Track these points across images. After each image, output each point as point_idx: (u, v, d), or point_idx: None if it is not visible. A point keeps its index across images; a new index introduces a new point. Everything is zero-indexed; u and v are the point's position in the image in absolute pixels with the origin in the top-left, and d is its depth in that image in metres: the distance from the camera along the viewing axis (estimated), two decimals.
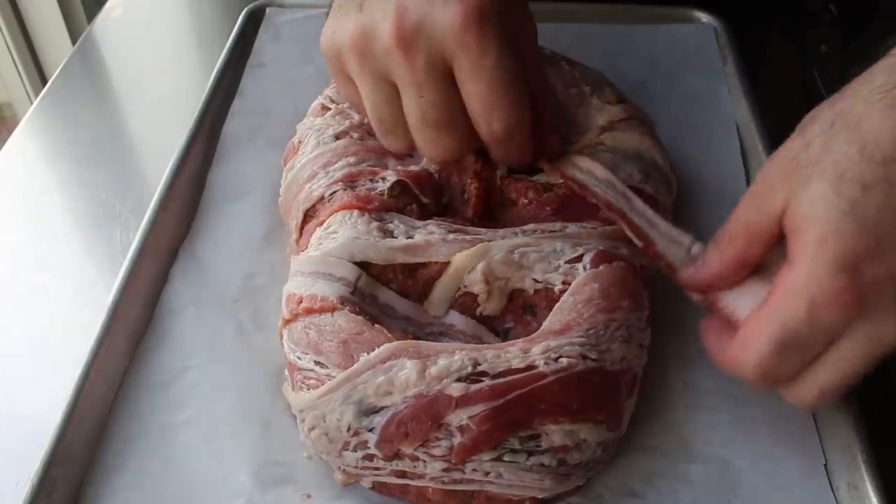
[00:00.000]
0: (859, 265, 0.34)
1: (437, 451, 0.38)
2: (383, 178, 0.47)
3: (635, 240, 0.44)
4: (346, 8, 0.43)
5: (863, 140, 0.34)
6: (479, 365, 0.38)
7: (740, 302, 0.40)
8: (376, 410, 0.38)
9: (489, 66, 0.40)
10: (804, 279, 0.35)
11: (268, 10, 0.73)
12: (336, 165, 0.48)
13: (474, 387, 0.37)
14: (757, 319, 0.37)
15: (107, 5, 0.80)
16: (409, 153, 0.47)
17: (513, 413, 0.37)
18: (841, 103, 0.36)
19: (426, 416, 0.37)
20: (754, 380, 0.38)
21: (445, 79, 0.41)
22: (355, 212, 0.45)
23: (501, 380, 0.37)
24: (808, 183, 0.35)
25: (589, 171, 0.46)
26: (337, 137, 0.50)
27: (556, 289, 0.42)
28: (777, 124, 0.55)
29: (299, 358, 0.41)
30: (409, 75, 0.40)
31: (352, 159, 0.48)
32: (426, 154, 0.45)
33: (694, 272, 0.41)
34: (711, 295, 0.41)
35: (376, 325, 0.40)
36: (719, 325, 0.41)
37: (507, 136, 0.42)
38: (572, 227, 0.45)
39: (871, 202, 0.34)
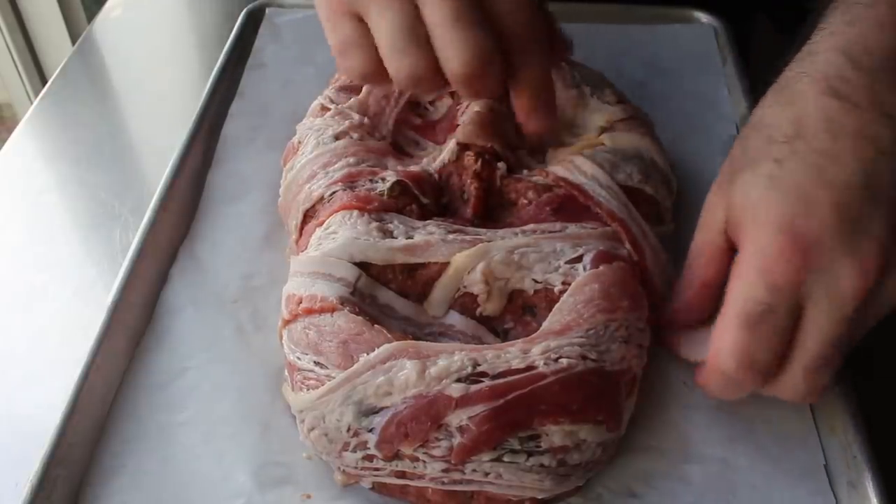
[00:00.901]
0: (794, 224, 0.36)
1: (436, 452, 0.38)
2: (383, 179, 0.47)
3: (631, 251, 0.45)
4: None
5: (767, 132, 0.40)
6: (479, 365, 0.38)
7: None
8: (376, 411, 0.38)
9: None
10: (750, 255, 0.38)
11: (268, 10, 0.73)
12: (336, 166, 0.48)
13: (474, 387, 0.37)
14: (723, 312, 0.39)
15: (107, 5, 0.80)
16: (432, 88, 0.43)
17: (512, 413, 0.37)
18: (752, 115, 0.42)
19: (426, 417, 0.37)
20: (737, 370, 0.38)
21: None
22: (355, 212, 0.45)
23: (501, 380, 0.37)
24: (734, 184, 0.40)
25: (593, 176, 0.46)
26: (336, 138, 0.50)
27: (556, 289, 0.42)
28: None
29: (299, 358, 0.41)
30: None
31: (351, 159, 0.48)
32: (395, 79, 0.41)
33: (669, 306, 0.44)
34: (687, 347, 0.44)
35: (376, 325, 0.40)
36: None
37: (471, 69, 0.39)
38: (572, 228, 0.45)
39: (785, 172, 0.37)
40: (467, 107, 0.51)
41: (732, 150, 0.42)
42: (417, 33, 0.39)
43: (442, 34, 0.39)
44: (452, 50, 0.38)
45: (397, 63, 0.39)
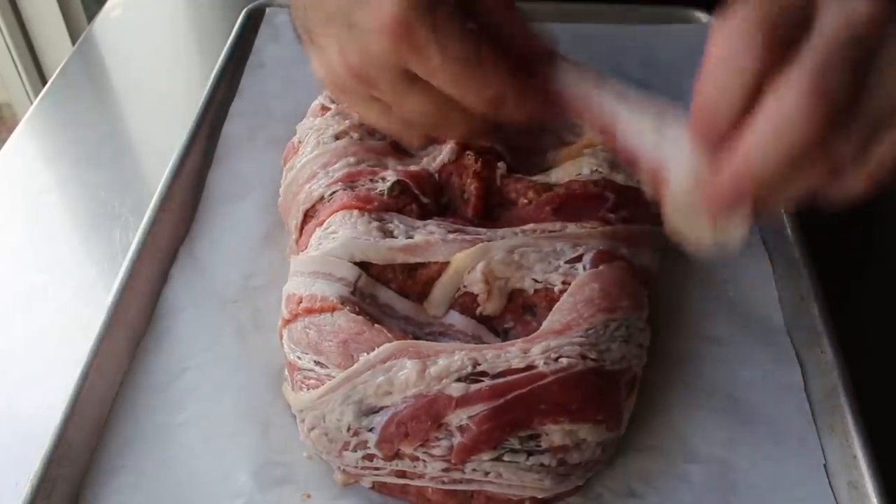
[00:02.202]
0: None
1: (436, 451, 0.38)
2: (383, 178, 0.47)
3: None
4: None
5: None
6: (479, 365, 0.38)
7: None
8: (376, 410, 0.38)
9: (436, 65, 0.39)
10: None
11: (268, 10, 0.73)
12: (336, 165, 0.48)
13: (474, 387, 0.37)
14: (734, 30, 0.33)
15: (107, 5, 0.80)
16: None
17: (512, 413, 0.37)
18: None
19: (426, 416, 0.37)
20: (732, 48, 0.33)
21: (412, 80, 0.40)
22: (355, 212, 0.45)
23: (501, 380, 0.37)
24: None
25: (585, 170, 0.46)
26: (337, 137, 0.50)
27: (556, 289, 0.42)
28: None
29: (299, 358, 0.41)
30: (387, 93, 0.41)
31: (351, 159, 0.48)
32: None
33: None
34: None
35: (376, 325, 0.40)
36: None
37: (490, 107, 0.40)
38: (572, 227, 0.45)
39: None
40: None
41: None
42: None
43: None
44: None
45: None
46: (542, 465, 0.38)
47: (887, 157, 0.33)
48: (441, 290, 0.43)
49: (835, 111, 0.31)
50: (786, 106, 0.31)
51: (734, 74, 0.33)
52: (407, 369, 0.38)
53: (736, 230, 0.37)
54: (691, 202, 0.37)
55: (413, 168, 0.48)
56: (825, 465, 0.42)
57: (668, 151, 0.38)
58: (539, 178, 0.48)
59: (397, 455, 0.38)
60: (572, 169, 0.47)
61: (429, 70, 0.39)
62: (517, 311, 0.43)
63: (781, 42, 0.32)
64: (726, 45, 0.33)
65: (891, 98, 0.32)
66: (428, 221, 0.45)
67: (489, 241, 0.43)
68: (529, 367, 0.38)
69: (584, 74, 0.42)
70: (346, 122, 0.51)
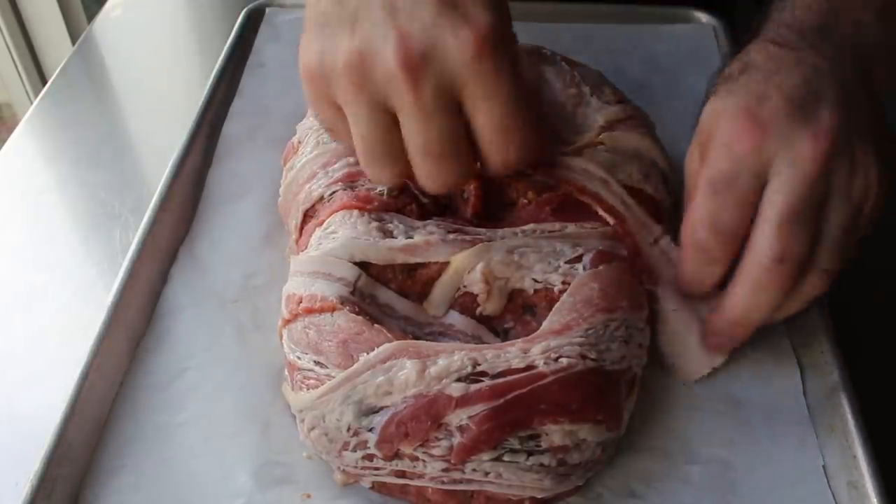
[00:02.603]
0: (750, 109, 0.40)
1: (436, 451, 0.38)
2: None
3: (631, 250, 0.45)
4: (334, 27, 0.39)
5: (722, 77, 0.44)
6: (479, 365, 0.38)
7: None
8: (376, 410, 0.38)
9: (505, 93, 0.38)
10: (715, 143, 0.41)
11: (268, 10, 0.73)
12: (336, 165, 0.48)
13: (474, 387, 0.37)
14: (691, 195, 0.42)
15: (107, 5, 0.80)
16: (395, 186, 0.45)
17: (512, 413, 0.37)
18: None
19: (426, 416, 0.37)
20: (707, 235, 0.41)
21: (454, 106, 0.38)
22: (355, 212, 0.45)
23: (501, 380, 0.37)
24: (700, 121, 0.44)
25: (593, 175, 0.46)
26: None
27: (556, 289, 0.42)
28: None
29: (299, 358, 0.41)
30: (414, 103, 0.37)
31: (351, 159, 0.48)
32: (426, 185, 0.41)
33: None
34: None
35: (376, 325, 0.40)
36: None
37: (521, 161, 0.41)
38: (572, 227, 0.45)
39: (739, 85, 0.42)
40: None
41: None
42: (459, 139, 0.40)
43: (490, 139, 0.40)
44: (506, 151, 0.40)
45: (434, 174, 0.41)
46: (542, 465, 0.38)
47: (844, 254, 0.40)
48: (441, 291, 0.43)
49: (799, 261, 0.39)
50: (757, 273, 0.40)
51: (707, 263, 0.42)
52: (407, 369, 0.38)
53: (718, 360, 0.45)
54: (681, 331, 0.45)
55: None
56: (824, 465, 0.42)
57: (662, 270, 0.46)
58: (539, 177, 0.47)
59: (397, 455, 0.38)
60: (573, 169, 0.47)
61: (491, 96, 0.38)
62: (517, 311, 0.43)
63: (744, 200, 0.40)
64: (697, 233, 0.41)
65: (844, 223, 0.40)
66: (428, 221, 0.45)
67: (489, 241, 0.43)
68: (529, 367, 0.38)
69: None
70: None
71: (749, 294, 0.40)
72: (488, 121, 0.39)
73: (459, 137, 0.39)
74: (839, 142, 0.39)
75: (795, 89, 0.40)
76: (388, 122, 0.39)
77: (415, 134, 0.39)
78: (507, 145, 0.40)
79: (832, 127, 0.39)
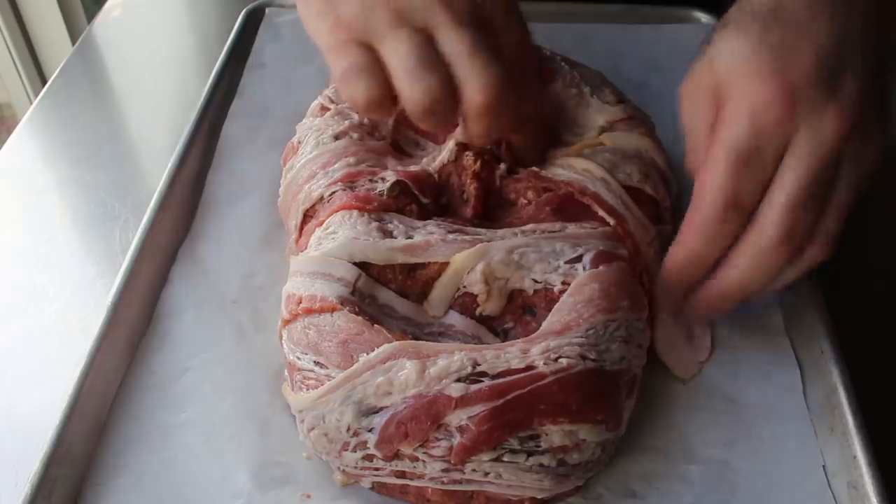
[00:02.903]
0: (783, 72, 0.38)
1: (436, 452, 0.38)
2: (383, 179, 0.47)
3: (631, 250, 0.45)
4: None
5: (749, 7, 0.41)
6: (479, 365, 0.38)
7: None
8: (376, 411, 0.38)
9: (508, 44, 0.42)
10: (739, 103, 0.39)
11: (267, 10, 0.73)
12: (335, 166, 0.48)
13: (474, 387, 0.37)
14: (710, 154, 0.40)
15: (106, 5, 0.80)
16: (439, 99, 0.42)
17: (512, 413, 0.37)
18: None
19: (425, 417, 0.37)
20: (724, 209, 0.39)
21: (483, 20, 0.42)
22: (355, 212, 0.45)
23: (501, 380, 0.37)
24: (720, 51, 0.41)
25: (592, 175, 0.46)
26: (336, 138, 0.50)
27: (556, 289, 0.42)
28: None
29: (299, 358, 0.41)
30: (452, 17, 0.40)
31: (351, 160, 0.48)
32: (473, 93, 0.40)
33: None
34: None
35: (376, 325, 0.40)
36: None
37: (483, 104, 0.40)
38: (571, 227, 0.45)
39: (773, 34, 0.39)
40: None
41: (715, 31, 0.43)
42: (434, 60, 0.39)
43: (463, 63, 0.39)
44: (474, 78, 0.39)
45: (413, 87, 0.39)
46: (541, 465, 0.38)
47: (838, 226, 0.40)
48: (441, 291, 0.43)
49: (804, 237, 0.39)
50: (759, 249, 0.39)
51: (715, 239, 0.41)
52: (407, 369, 0.38)
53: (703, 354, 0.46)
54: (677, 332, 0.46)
55: (413, 168, 0.48)
56: (824, 466, 0.42)
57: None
58: (539, 178, 0.47)
59: (397, 455, 0.38)
60: (573, 169, 0.47)
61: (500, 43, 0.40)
62: (517, 312, 0.43)
63: (764, 175, 0.39)
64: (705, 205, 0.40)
65: (846, 197, 0.40)
66: (427, 222, 0.45)
67: (489, 241, 0.43)
68: (529, 368, 0.38)
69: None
70: (346, 122, 0.51)
71: (749, 267, 0.40)
72: (451, 46, 0.40)
73: (434, 58, 0.40)
74: (860, 118, 0.38)
75: (827, 50, 0.39)
76: (426, 39, 0.40)
77: (456, 42, 0.40)
78: (473, 75, 0.40)
79: (855, 103, 0.38)
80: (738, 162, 0.39)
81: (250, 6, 0.72)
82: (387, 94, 0.40)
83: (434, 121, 0.41)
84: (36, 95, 0.76)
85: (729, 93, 0.40)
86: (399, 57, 0.40)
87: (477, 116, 0.40)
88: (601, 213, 0.46)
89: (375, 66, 0.40)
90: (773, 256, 0.39)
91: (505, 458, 0.38)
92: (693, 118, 0.43)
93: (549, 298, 0.42)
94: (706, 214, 0.40)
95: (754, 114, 0.39)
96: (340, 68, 0.40)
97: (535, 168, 0.48)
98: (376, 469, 0.39)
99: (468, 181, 0.47)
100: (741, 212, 0.40)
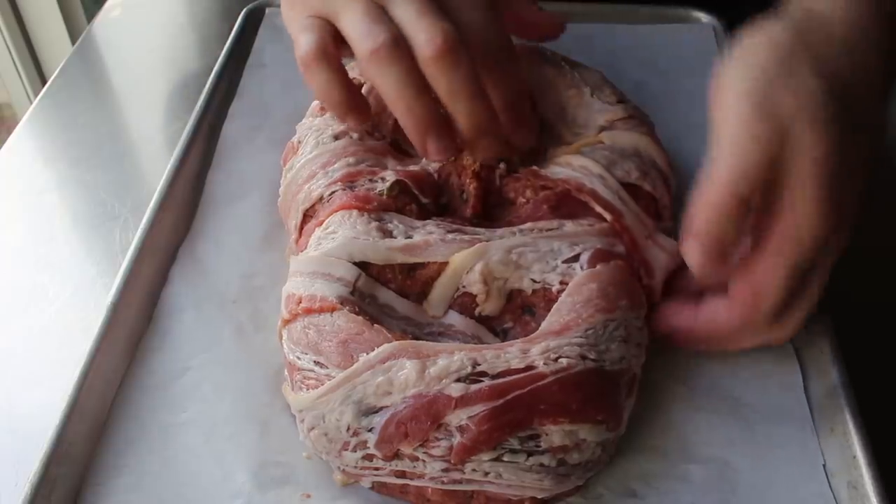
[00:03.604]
0: (833, 184, 0.38)
1: (436, 452, 0.38)
2: (382, 179, 0.47)
3: (629, 247, 0.45)
4: None
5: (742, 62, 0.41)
6: (479, 365, 0.38)
7: None
8: (376, 410, 0.38)
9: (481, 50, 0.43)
10: (801, 213, 0.38)
11: (268, 10, 0.73)
12: (335, 166, 0.48)
13: (474, 387, 0.37)
14: (763, 264, 0.40)
15: (106, 5, 0.80)
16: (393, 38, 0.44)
17: (512, 413, 0.37)
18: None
19: (425, 417, 0.37)
20: (759, 315, 0.41)
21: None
22: (354, 212, 0.45)
23: (501, 380, 0.37)
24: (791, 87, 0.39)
25: (590, 172, 0.46)
26: (336, 138, 0.50)
27: (554, 289, 0.42)
28: None
29: (299, 358, 0.41)
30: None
31: (351, 159, 0.48)
32: (431, 33, 0.42)
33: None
34: None
35: (376, 325, 0.40)
36: (683, 303, 0.45)
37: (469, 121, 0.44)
38: (569, 225, 0.45)
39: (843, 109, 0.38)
40: None
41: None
42: (384, 18, 0.42)
43: (411, 21, 0.42)
44: (422, 32, 0.41)
45: (364, 40, 0.42)
46: (541, 465, 0.38)
47: None
48: (440, 291, 0.43)
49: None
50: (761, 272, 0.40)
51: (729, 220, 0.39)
52: (406, 369, 0.38)
53: None
54: None
55: (412, 168, 0.48)
56: (825, 466, 0.42)
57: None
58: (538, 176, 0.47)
59: (397, 455, 0.38)
60: (571, 167, 0.47)
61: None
62: (516, 312, 0.43)
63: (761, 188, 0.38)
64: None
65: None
66: (427, 221, 0.45)
67: (487, 241, 0.43)
68: (529, 368, 0.38)
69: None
70: None
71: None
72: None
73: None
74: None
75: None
76: (379, 6, 0.43)
77: (406, 7, 0.42)
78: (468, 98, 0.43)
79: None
80: (795, 278, 0.40)
81: (250, 6, 0.72)
82: (330, 47, 0.44)
83: (389, 72, 0.42)
84: (36, 95, 0.76)
85: (794, 203, 0.38)
86: (351, 19, 0.43)
87: (436, 70, 0.42)
88: (598, 208, 0.46)
89: (325, 24, 0.44)
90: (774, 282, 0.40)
91: (505, 458, 0.38)
92: (743, 143, 0.39)
93: (547, 298, 0.42)
94: (754, 317, 0.41)
95: (816, 239, 0.38)
96: (296, 37, 0.45)
97: (534, 167, 0.48)
98: (376, 469, 0.39)
99: (468, 180, 0.47)
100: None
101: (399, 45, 0.42)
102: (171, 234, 0.53)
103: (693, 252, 0.40)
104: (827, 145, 0.37)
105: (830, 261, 0.41)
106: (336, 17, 0.44)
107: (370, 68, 0.42)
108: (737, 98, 0.39)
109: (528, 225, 0.45)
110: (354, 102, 0.47)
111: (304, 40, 0.45)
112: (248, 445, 0.43)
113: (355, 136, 0.50)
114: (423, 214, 0.46)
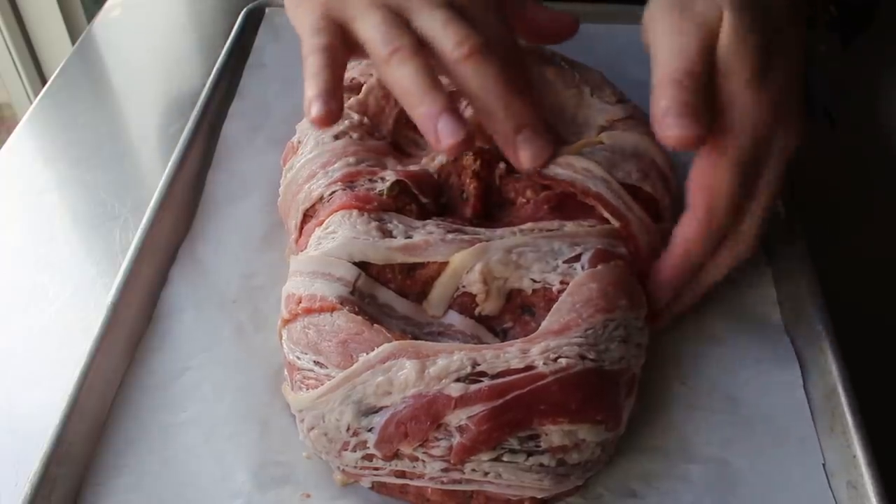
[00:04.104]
0: (765, 82, 0.41)
1: (436, 452, 0.38)
2: (382, 178, 0.47)
3: (630, 247, 0.45)
4: None
5: None
6: (479, 365, 0.38)
7: None
8: (375, 410, 0.38)
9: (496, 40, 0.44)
10: (742, 112, 0.41)
11: (267, 10, 0.73)
12: (335, 165, 0.48)
13: (473, 387, 0.37)
14: (716, 168, 0.41)
15: (106, 5, 0.80)
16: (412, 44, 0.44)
17: (512, 413, 0.37)
18: None
19: (425, 416, 0.37)
20: (727, 216, 0.42)
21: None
22: (354, 212, 0.45)
23: (500, 380, 0.37)
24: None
25: (591, 173, 0.46)
26: (336, 137, 0.50)
27: (554, 289, 0.42)
28: None
29: (298, 358, 0.41)
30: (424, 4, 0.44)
31: (351, 159, 0.48)
32: (451, 49, 0.43)
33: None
34: None
35: (375, 325, 0.40)
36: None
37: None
38: (570, 226, 0.45)
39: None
40: (466, 106, 0.51)
41: None
42: (406, 28, 0.42)
43: (436, 30, 0.43)
44: (448, 38, 0.42)
45: (385, 46, 0.42)
46: (541, 465, 0.38)
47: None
48: (440, 291, 0.43)
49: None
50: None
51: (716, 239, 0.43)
52: (406, 369, 0.38)
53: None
54: None
55: (412, 168, 0.48)
56: (825, 465, 0.42)
57: None
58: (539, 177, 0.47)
59: (397, 455, 0.38)
60: (573, 168, 0.47)
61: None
62: (516, 311, 0.43)
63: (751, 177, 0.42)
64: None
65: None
66: (427, 221, 0.45)
67: (487, 240, 0.43)
68: (529, 368, 0.38)
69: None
70: (346, 122, 0.51)
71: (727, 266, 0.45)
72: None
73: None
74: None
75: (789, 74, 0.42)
76: (400, 16, 0.43)
77: (429, 19, 0.43)
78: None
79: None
80: (744, 170, 0.41)
81: (250, 6, 0.72)
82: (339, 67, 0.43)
83: (409, 66, 0.42)
84: (36, 95, 0.76)
85: (733, 110, 0.41)
86: (371, 24, 0.43)
87: (470, 70, 0.42)
88: (605, 214, 0.46)
89: (338, 29, 0.43)
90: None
91: (504, 458, 0.38)
92: (676, 52, 0.43)
93: (547, 298, 0.42)
94: (717, 221, 0.42)
95: (755, 127, 0.41)
96: (307, 39, 0.44)
97: None
98: (376, 469, 0.39)
99: (468, 180, 0.47)
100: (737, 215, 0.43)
101: (422, 48, 0.42)
102: (171, 234, 0.53)
103: (669, 125, 0.41)
104: (742, 22, 0.40)
105: (779, 160, 0.42)
106: (351, 21, 0.44)
107: (389, 66, 0.42)
108: (661, 11, 0.43)
109: (529, 225, 0.45)
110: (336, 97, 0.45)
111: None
112: (247, 445, 0.43)
113: (355, 135, 0.50)
114: (423, 214, 0.46)
